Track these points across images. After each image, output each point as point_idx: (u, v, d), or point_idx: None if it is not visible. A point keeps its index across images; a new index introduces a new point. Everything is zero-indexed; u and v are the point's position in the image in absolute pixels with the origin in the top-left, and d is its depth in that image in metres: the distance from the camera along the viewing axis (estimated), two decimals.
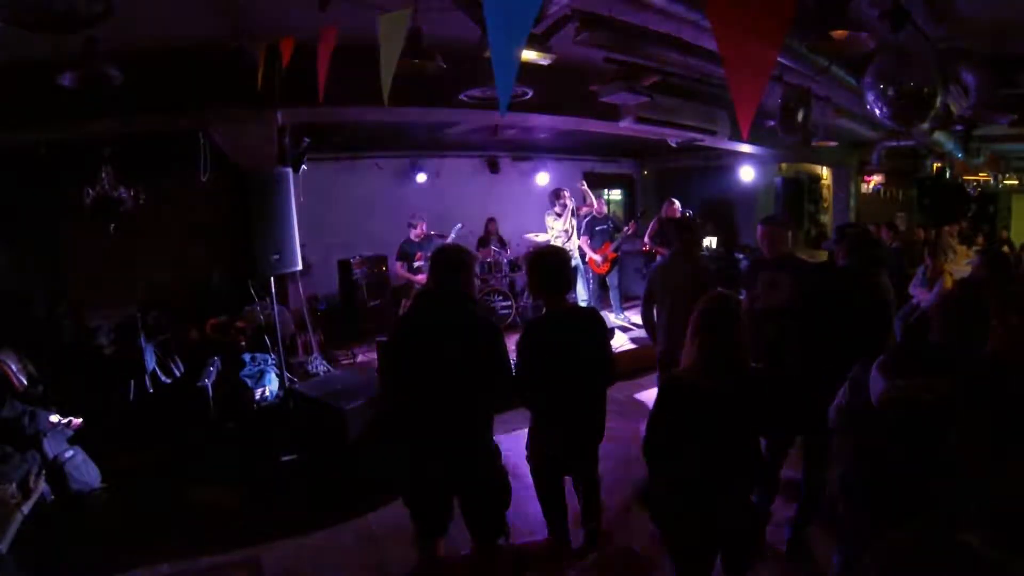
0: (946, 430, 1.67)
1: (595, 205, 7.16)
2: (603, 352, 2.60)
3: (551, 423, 2.56)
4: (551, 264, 2.57)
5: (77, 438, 3.66)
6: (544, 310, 2.63)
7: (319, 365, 5.47)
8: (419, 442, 2.32)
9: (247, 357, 4.98)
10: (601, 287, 7.32)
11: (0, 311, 4.78)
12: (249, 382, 4.68)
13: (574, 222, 6.91)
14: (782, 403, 2.08)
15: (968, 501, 1.69)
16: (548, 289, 2.57)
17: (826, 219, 9.68)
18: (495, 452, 2.39)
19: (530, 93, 3.85)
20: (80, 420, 3.68)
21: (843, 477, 1.99)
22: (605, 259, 7.03)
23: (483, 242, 7.75)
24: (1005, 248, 8.40)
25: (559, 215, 6.80)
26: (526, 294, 7.60)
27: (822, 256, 7.57)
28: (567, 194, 6.89)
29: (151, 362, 4.69)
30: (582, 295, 6.99)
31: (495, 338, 2.29)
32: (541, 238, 6.96)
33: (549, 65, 3.10)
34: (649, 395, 4.99)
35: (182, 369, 4.91)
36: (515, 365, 2.49)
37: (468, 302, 2.37)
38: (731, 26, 1.27)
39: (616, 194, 11.42)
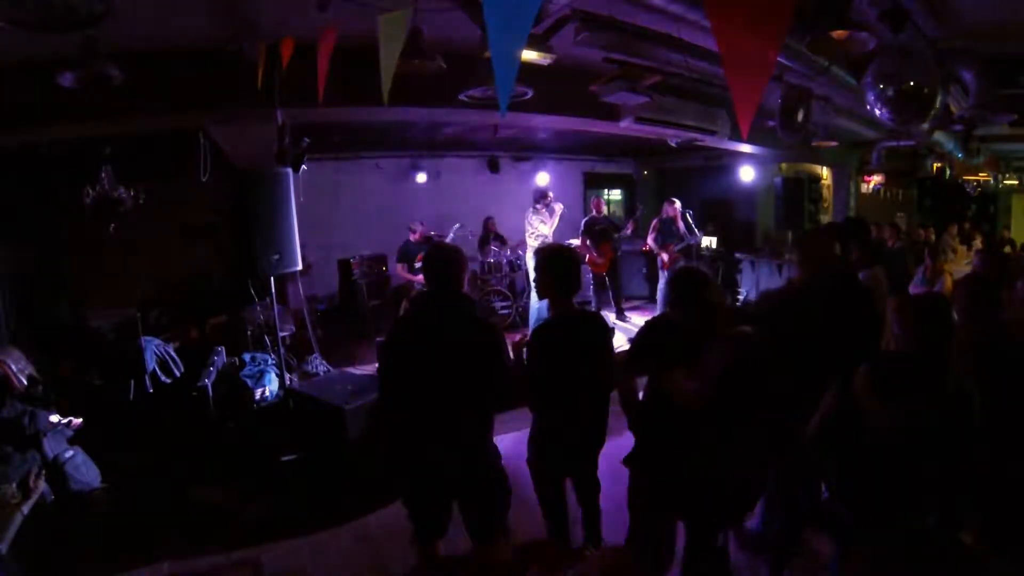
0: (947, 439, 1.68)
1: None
2: (605, 359, 2.55)
3: (553, 427, 2.55)
4: (558, 265, 2.53)
5: (77, 438, 3.66)
6: (553, 313, 2.59)
7: (319, 365, 5.47)
8: (417, 444, 2.29)
9: (247, 357, 4.98)
10: (600, 286, 7.33)
11: (0, 310, 4.79)
12: (249, 382, 4.68)
13: (552, 229, 6.91)
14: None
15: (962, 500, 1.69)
16: (554, 290, 2.54)
17: (826, 219, 9.67)
18: (495, 454, 2.37)
19: (530, 93, 3.84)
20: (80, 420, 3.68)
21: (836, 482, 1.99)
22: (603, 257, 7.07)
23: (483, 242, 7.75)
24: (1007, 248, 8.40)
25: (544, 220, 6.80)
26: (526, 294, 7.60)
27: None
28: (552, 197, 6.90)
29: (151, 362, 4.69)
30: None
31: (493, 338, 2.26)
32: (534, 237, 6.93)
33: (549, 65, 3.09)
34: None
35: (182, 369, 4.91)
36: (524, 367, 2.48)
37: (465, 302, 2.34)
38: (731, 26, 1.27)
39: (616, 194, 11.42)
